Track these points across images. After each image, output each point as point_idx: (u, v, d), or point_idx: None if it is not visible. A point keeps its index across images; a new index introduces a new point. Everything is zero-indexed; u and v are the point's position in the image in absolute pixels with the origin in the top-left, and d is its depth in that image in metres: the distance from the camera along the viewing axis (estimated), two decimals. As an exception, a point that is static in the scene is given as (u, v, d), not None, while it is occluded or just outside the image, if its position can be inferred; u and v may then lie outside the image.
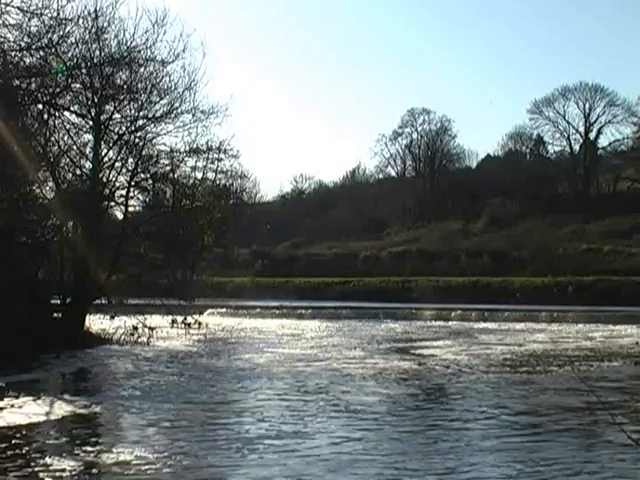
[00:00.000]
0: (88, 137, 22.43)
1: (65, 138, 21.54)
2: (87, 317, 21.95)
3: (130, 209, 23.00)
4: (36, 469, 8.00)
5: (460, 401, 12.93)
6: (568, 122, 72.55)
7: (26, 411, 11.17)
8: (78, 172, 22.28)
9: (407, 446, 9.31)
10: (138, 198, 23.55)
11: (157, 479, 7.81)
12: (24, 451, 8.78)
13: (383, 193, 76.74)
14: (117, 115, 21.82)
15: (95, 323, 22.78)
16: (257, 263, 61.72)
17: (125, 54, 20.70)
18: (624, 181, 68.59)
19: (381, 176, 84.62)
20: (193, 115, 22.13)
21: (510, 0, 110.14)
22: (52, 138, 20.95)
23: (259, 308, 38.60)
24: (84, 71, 20.32)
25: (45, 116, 20.36)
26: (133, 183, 22.37)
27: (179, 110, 21.88)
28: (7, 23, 17.41)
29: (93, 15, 19.64)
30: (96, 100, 21.09)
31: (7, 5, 17.27)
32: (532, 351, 21.08)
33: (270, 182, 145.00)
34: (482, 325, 32.06)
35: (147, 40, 20.58)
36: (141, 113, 21.69)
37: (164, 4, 21.31)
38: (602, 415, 11.00)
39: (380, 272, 53.16)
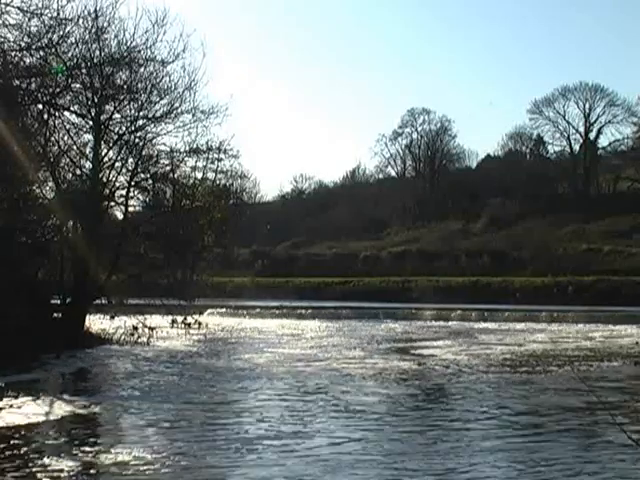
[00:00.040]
0: (88, 137, 22.50)
1: (65, 138, 21.60)
2: (87, 317, 21.95)
3: (130, 209, 23.05)
4: (34, 469, 7.99)
5: (460, 401, 12.92)
6: (568, 122, 72.73)
7: (25, 411, 11.16)
8: (78, 172, 22.33)
9: (407, 446, 9.29)
10: (138, 198, 23.60)
11: (156, 479, 7.80)
12: (22, 451, 8.77)
13: (383, 193, 76.74)
14: (117, 115, 21.87)
15: (95, 323, 22.79)
16: (257, 263, 61.73)
17: (125, 54, 20.71)
18: (624, 181, 68.60)
19: (381, 176, 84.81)
20: (193, 115, 22.18)
21: (510, 0, 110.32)
22: (52, 138, 20.98)
23: (259, 308, 38.58)
24: (84, 71, 20.33)
25: (45, 116, 20.37)
26: (133, 183, 22.38)
27: (179, 110, 21.94)
28: (7, 23, 17.47)
29: (93, 15, 19.70)
30: (96, 100, 21.09)
31: (7, 5, 17.31)
32: (532, 351, 21.08)
33: (270, 182, 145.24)
34: (482, 325, 32.06)
35: (147, 40, 20.64)
36: (141, 113, 21.72)
37: (164, 4, 21.42)
38: (602, 415, 10.99)
39: (380, 272, 53.17)
